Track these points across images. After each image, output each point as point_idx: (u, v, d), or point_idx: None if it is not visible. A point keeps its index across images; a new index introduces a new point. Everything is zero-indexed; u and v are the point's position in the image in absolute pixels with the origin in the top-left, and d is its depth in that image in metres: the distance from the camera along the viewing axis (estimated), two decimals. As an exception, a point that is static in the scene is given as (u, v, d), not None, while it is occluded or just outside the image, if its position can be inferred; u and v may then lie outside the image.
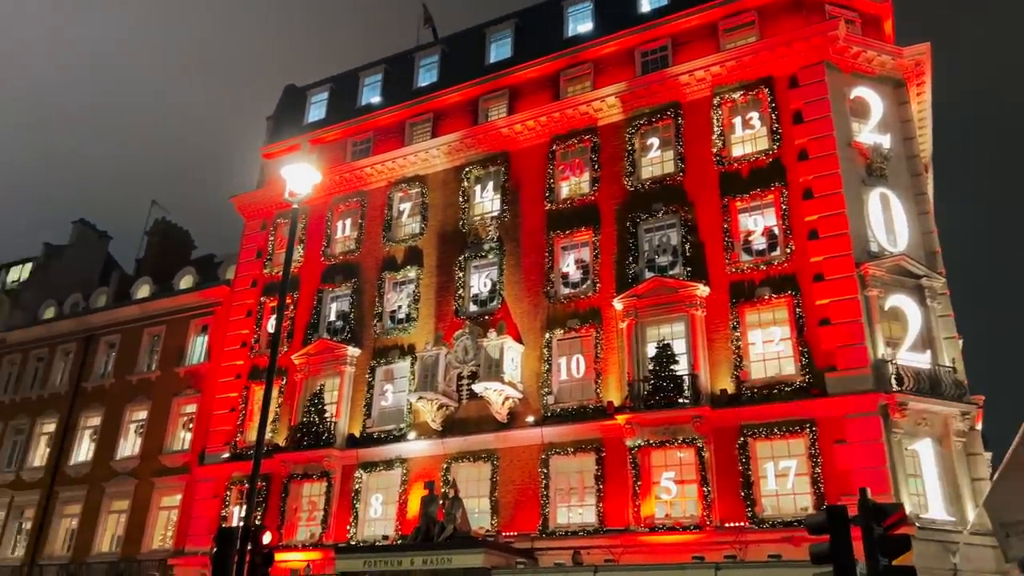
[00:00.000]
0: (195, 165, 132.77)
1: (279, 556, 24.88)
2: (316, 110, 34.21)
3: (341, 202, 30.38)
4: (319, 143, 31.29)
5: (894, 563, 9.31)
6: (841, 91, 22.97)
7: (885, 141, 22.46)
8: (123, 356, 33.37)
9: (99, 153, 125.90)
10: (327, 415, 26.19)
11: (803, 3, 24.43)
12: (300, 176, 14.45)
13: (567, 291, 24.50)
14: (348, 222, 30.20)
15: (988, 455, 21.63)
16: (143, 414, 31.56)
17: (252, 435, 27.71)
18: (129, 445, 31.52)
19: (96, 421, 32.69)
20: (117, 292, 36.57)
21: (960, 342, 21.05)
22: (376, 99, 32.54)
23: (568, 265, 24.98)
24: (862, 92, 23.07)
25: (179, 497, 29.00)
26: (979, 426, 20.00)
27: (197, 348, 31.91)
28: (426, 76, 31.84)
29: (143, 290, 35.52)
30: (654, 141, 25.14)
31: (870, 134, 22.56)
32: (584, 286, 24.29)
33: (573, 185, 26.08)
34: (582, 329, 23.56)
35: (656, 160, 24.98)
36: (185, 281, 34.32)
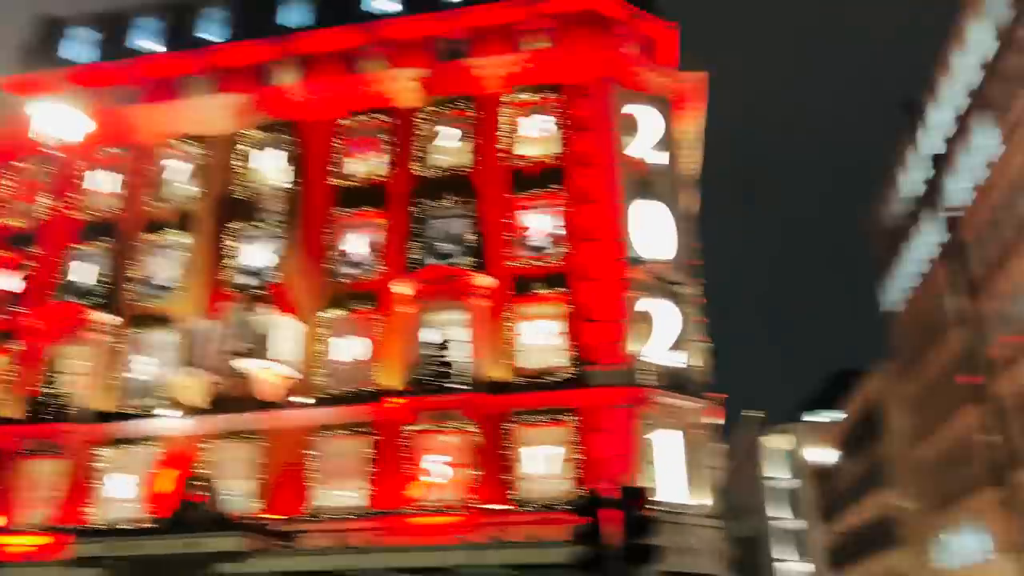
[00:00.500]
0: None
1: (6, 540, 22.26)
2: (78, 47, 30.67)
3: (101, 153, 27.50)
4: (79, 83, 28.10)
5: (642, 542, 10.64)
6: (623, 106, 24.63)
7: (659, 157, 24.41)
8: None
9: None
10: (69, 386, 23.70)
11: (598, 19, 25.88)
12: (56, 118, 12.93)
13: (349, 271, 24.10)
14: (110, 176, 27.42)
15: (724, 447, 24.59)
16: None
17: (-27, 405, 24.40)
18: None
19: None
20: None
21: (709, 346, 23.53)
22: (151, 45, 29.82)
23: (352, 245, 24.57)
24: (642, 109, 24.88)
25: None
26: (722, 421, 22.58)
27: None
28: (210, 29, 29.69)
29: None
30: (448, 131, 25.40)
31: (645, 149, 24.42)
32: (367, 268, 24.03)
33: (363, 164, 25.67)
34: (362, 311, 23.31)
35: (448, 150, 25.27)
36: None
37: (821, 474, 61.07)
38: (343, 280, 23.86)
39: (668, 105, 25.49)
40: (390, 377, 22.22)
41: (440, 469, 21.06)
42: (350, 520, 20.75)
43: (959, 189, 35.04)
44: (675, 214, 24.08)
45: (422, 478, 20.98)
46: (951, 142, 36.17)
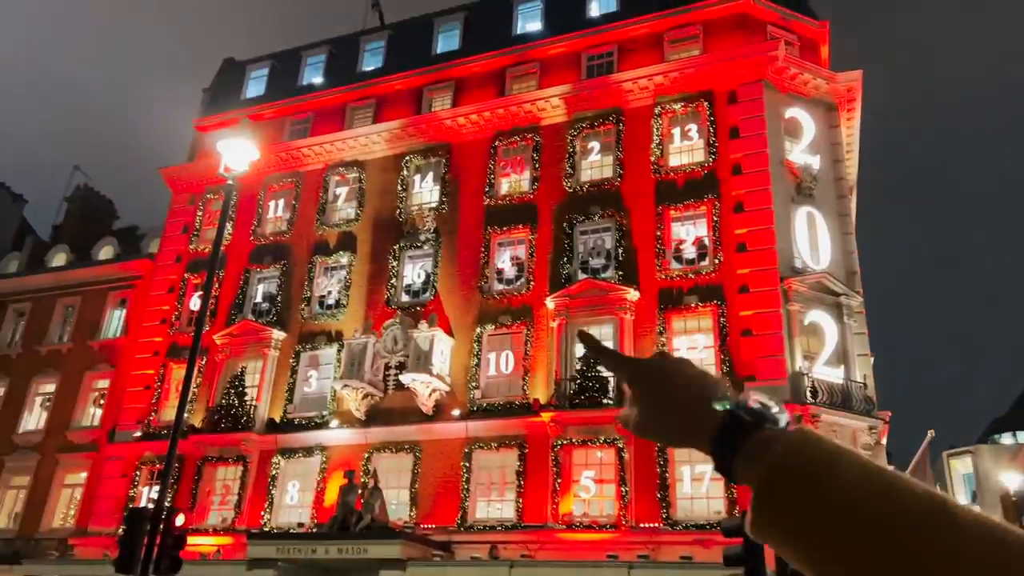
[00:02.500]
0: (123, 132, 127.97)
1: (189, 540, 24.29)
2: (255, 86, 33.41)
3: (275, 181, 29.76)
4: (256, 120, 30.49)
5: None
6: (777, 110, 23.69)
7: (815, 162, 23.28)
8: (33, 325, 31.93)
9: (19, 111, 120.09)
10: (247, 398, 25.64)
11: (746, 22, 25.11)
12: (238, 152, 14.12)
13: (501, 287, 24.58)
14: (281, 202, 29.59)
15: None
16: (51, 387, 30.27)
17: (166, 414, 26.87)
18: (34, 419, 30.19)
19: (-1, 392, 31.19)
20: (31, 258, 34.96)
21: (872, 360, 22.01)
22: (318, 79, 31.98)
23: (503, 261, 25.06)
24: (796, 113, 23.85)
25: (84, 475, 27.95)
26: (884, 440, 20.95)
27: (114, 322, 30.79)
28: (371, 61, 31.46)
29: (59, 258, 34.05)
30: (595, 145, 25.44)
31: (801, 154, 23.35)
32: (518, 283, 24.41)
33: (513, 182, 26.18)
34: (513, 326, 23.68)
35: (596, 164, 25.29)
36: (105, 252, 33.06)
37: (1013, 501, 55.23)
38: (496, 296, 24.36)
39: (823, 106, 24.26)
40: (540, 391, 22.39)
41: (591, 484, 20.92)
42: (501, 532, 21.01)
43: None
44: (833, 221, 22.82)
45: (573, 493, 20.92)
46: None
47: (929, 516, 0.78)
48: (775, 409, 0.95)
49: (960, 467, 63.14)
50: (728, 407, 0.96)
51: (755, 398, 0.96)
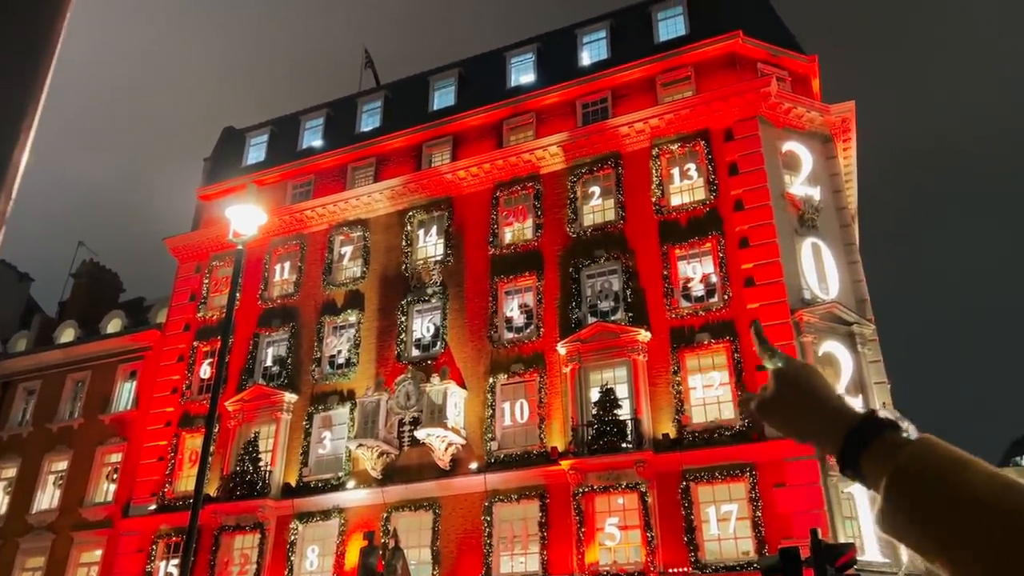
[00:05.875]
0: (126, 206, 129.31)
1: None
2: (255, 152, 33.85)
3: (280, 245, 29.94)
4: (259, 185, 30.77)
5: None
6: (774, 145, 23.93)
7: (815, 193, 23.43)
8: (43, 403, 31.78)
9: (23, 191, 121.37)
10: (262, 463, 25.39)
11: (736, 61, 25.53)
12: (245, 217, 14.21)
13: (511, 336, 24.52)
14: (287, 265, 29.74)
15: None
16: (63, 464, 30.00)
17: (181, 485, 26.62)
18: (47, 497, 29.84)
19: (11, 472, 30.86)
20: (39, 336, 34.98)
21: (889, 386, 21.81)
22: (317, 143, 32.42)
23: (512, 310, 25.05)
24: (793, 146, 24.09)
25: (100, 553, 27.51)
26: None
27: (124, 395, 30.65)
28: (369, 121, 31.93)
29: (67, 334, 34.07)
30: (595, 189, 25.65)
31: (801, 186, 23.51)
32: (528, 331, 24.36)
33: (516, 231, 26.33)
34: (526, 374, 23.55)
35: (597, 208, 25.45)
36: (113, 325, 33.09)
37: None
38: (506, 345, 24.29)
39: (819, 138, 24.52)
40: (558, 439, 22.16)
41: (615, 531, 20.57)
42: (528, 586, 20.58)
43: None
44: (838, 250, 22.88)
45: (598, 541, 20.55)
46: None
47: None
48: (905, 421, 1.06)
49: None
50: (868, 410, 1.10)
51: (886, 411, 1.09)
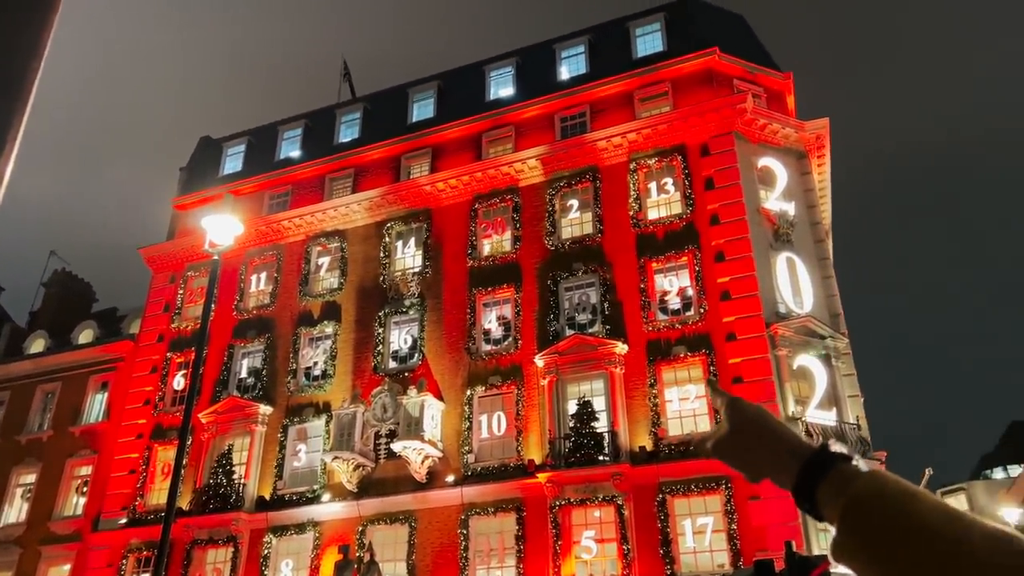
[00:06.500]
0: (100, 215, 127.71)
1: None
2: (232, 162, 33.65)
3: (256, 255, 29.73)
4: (235, 195, 30.53)
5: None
6: (749, 160, 24.22)
7: (790, 208, 23.72)
8: (12, 415, 31.23)
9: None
10: (235, 476, 25.10)
11: (713, 77, 25.83)
12: (221, 227, 14.10)
13: (488, 348, 24.50)
14: (263, 276, 29.52)
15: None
16: (31, 477, 29.46)
17: (153, 499, 26.26)
18: (14, 511, 29.28)
19: (-24, 486, 30.27)
20: (8, 346, 34.41)
21: (862, 400, 22.06)
22: (295, 153, 32.31)
23: (490, 322, 25.05)
24: (768, 162, 24.39)
25: (68, 567, 27.00)
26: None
27: (95, 406, 30.20)
28: (347, 132, 31.87)
29: (37, 344, 33.56)
30: (573, 203, 25.78)
31: (776, 201, 23.80)
32: (506, 343, 24.36)
33: (495, 243, 26.37)
34: (503, 386, 23.53)
35: (576, 221, 25.57)
36: (85, 335, 32.64)
37: (1016, 538, 54.76)
38: (484, 357, 24.26)
39: (794, 154, 24.87)
40: (535, 451, 22.15)
41: (592, 544, 20.56)
42: (504, 600, 20.49)
43: None
44: (813, 265, 23.18)
45: (574, 555, 20.53)
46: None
47: (995, 540, 0.92)
48: (855, 455, 1.11)
49: (955, 504, 62.52)
50: (821, 444, 1.14)
51: (838, 444, 1.14)
